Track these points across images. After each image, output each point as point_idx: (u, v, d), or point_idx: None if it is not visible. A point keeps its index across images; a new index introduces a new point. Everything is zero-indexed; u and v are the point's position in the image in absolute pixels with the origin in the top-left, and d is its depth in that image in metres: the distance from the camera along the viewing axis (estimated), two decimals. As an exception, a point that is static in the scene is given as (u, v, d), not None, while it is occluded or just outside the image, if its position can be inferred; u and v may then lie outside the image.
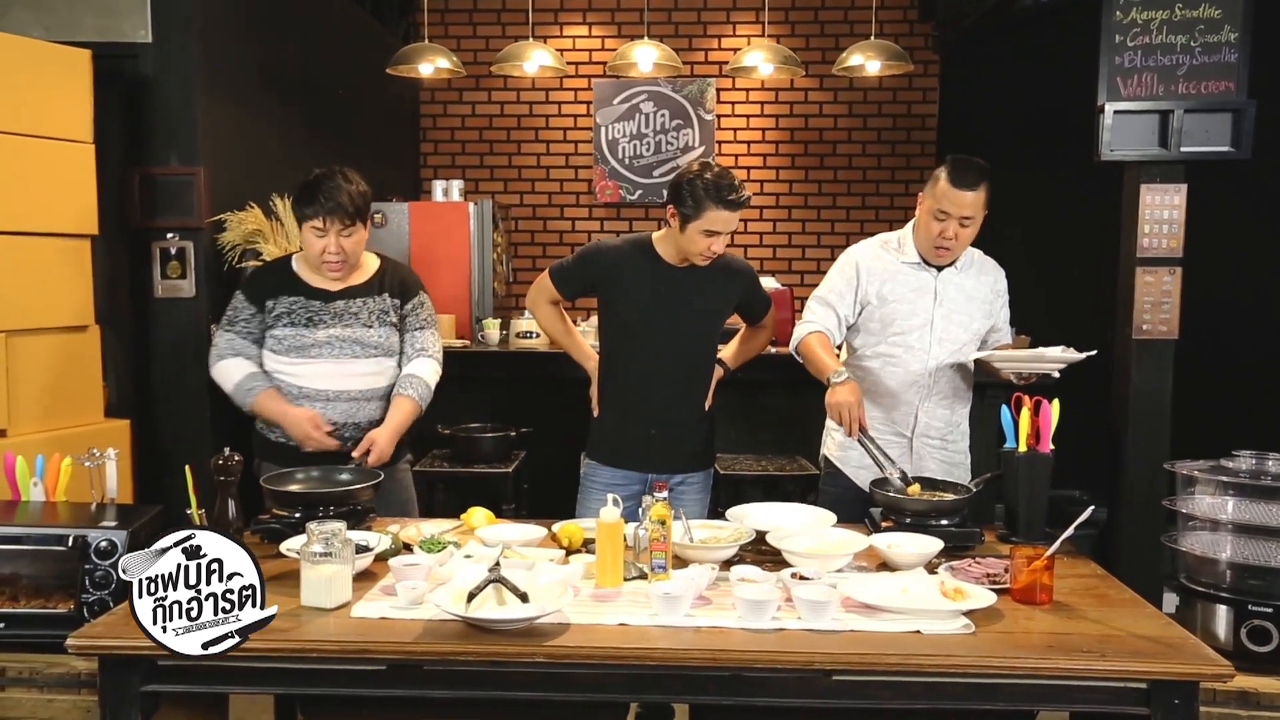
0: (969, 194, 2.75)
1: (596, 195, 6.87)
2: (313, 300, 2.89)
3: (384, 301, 2.95)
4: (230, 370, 2.88)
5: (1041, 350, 2.77)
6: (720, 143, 6.85)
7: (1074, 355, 2.71)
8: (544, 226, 6.98)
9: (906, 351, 2.90)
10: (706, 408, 3.04)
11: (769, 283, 5.16)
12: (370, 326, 2.91)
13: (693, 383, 3.01)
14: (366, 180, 2.93)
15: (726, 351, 3.16)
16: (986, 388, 4.22)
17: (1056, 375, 2.80)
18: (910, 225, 2.96)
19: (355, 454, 2.80)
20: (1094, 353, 2.73)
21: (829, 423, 3.10)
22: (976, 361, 2.91)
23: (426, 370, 2.99)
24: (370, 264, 3.00)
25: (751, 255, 6.91)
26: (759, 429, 4.31)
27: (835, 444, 3.05)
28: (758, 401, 4.31)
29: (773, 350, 4.31)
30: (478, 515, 2.63)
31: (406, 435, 3.00)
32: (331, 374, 2.87)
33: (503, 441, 3.91)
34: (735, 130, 6.88)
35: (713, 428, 3.11)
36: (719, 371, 3.09)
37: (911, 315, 2.89)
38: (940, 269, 2.90)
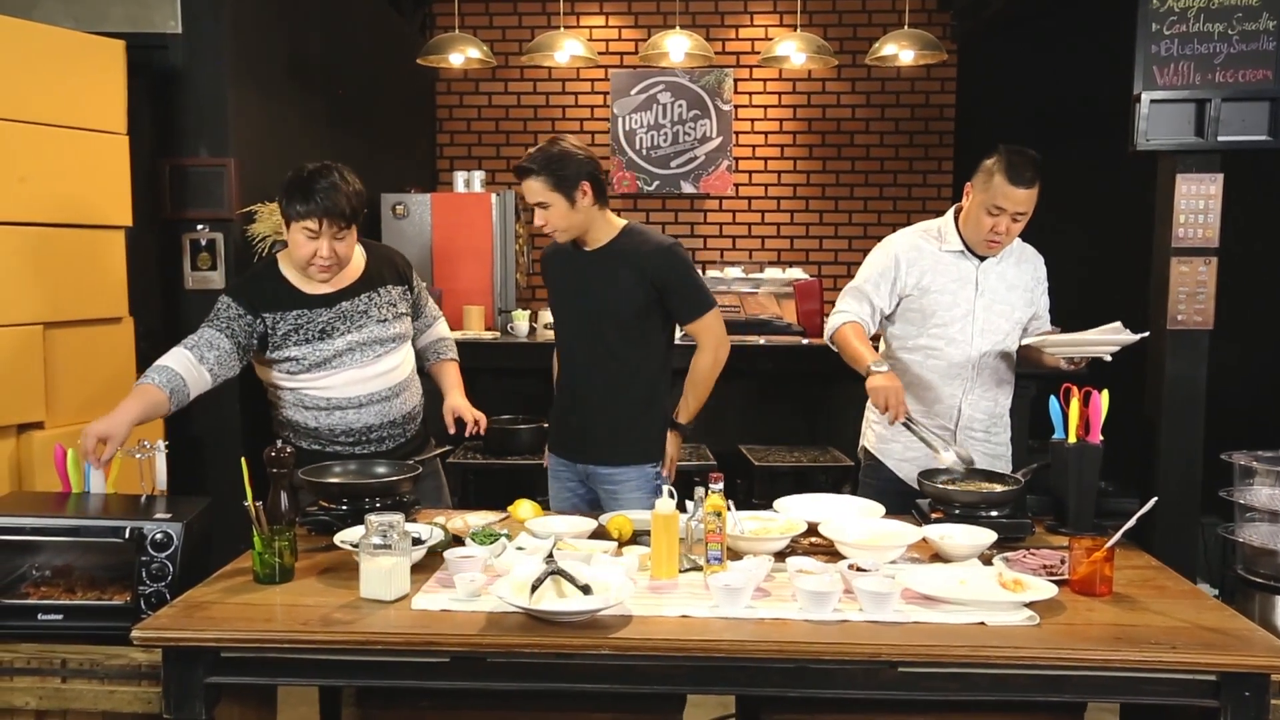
0: (1025, 190, 2.74)
1: (614, 186, 6.85)
2: (317, 310, 2.71)
3: (389, 293, 2.81)
4: (167, 355, 2.60)
5: (1092, 335, 2.74)
6: (738, 133, 6.84)
7: (1129, 336, 2.70)
8: (561, 217, 6.96)
9: (949, 344, 2.88)
10: (666, 474, 2.91)
11: (795, 273, 5.16)
12: (385, 321, 2.78)
13: (615, 375, 2.88)
14: (361, 178, 2.75)
15: (680, 408, 2.94)
16: (1018, 379, 4.22)
17: (1109, 359, 2.76)
18: (950, 213, 2.94)
19: (455, 429, 2.84)
20: (1146, 334, 2.75)
21: (869, 415, 3.10)
22: (1022, 349, 2.90)
23: (448, 330, 3.08)
24: (356, 256, 2.80)
25: (769, 246, 6.91)
26: (791, 421, 4.30)
27: (876, 436, 3.03)
28: (790, 393, 4.31)
29: (804, 341, 4.32)
30: (524, 507, 2.62)
31: (430, 423, 3.01)
32: (360, 379, 2.75)
33: (536, 433, 3.91)
34: (753, 121, 6.87)
35: (656, 423, 2.93)
36: (675, 436, 2.92)
37: (953, 306, 2.87)
38: (982, 259, 2.88)
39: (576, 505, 2.96)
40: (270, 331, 2.69)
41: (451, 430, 2.82)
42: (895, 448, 2.94)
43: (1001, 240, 2.81)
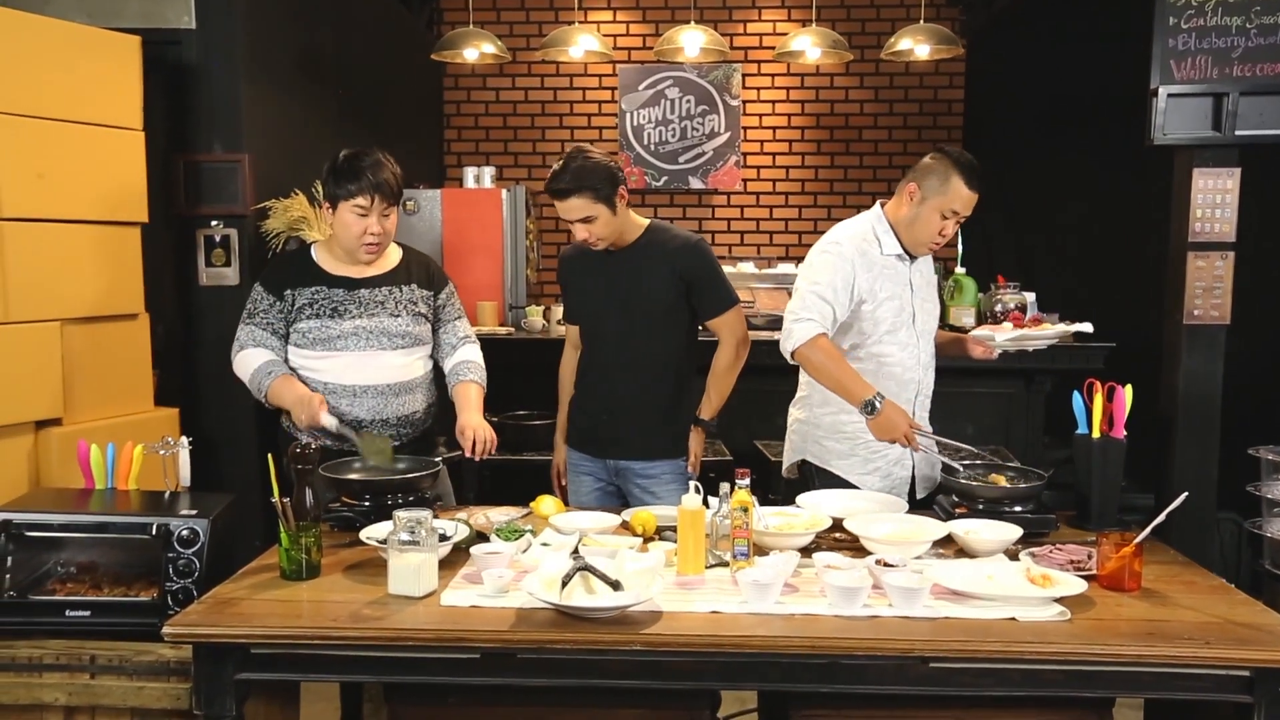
0: (977, 193, 2.73)
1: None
2: (335, 289, 2.77)
3: (412, 291, 2.84)
4: (249, 360, 2.77)
5: (1040, 329, 2.86)
6: (746, 128, 6.82)
7: (1066, 328, 2.82)
8: (568, 213, 6.95)
9: (901, 349, 2.80)
10: (690, 470, 2.92)
11: (808, 269, 5.14)
12: (397, 316, 2.80)
13: (646, 371, 2.89)
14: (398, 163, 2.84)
15: (703, 404, 2.97)
16: (1034, 374, 4.23)
17: (1030, 349, 2.90)
18: (878, 215, 2.83)
19: (468, 454, 2.74)
20: (1086, 327, 2.82)
21: (809, 429, 2.90)
22: (942, 342, 2.96)
23: (478, 355, 2.98)
24: (393, 253, 2.89)
25: (777, 241, 6.90)
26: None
27: (831, 452, 2.84)
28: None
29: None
30: (547, 503, 2.62)
31: (439, 429, 2.98)
32: (358, 367, 2.76)
33: (551, 429, 3.87)
34: (761, 116, 6.85)
35: (686, 416, 2.95)
36: (698, 432, 2.95)
37: (901, 310, 2.79)
38: (913, 259, 2.83)
39: (599, 500, 2.96)
40: (291, 307, 2.78)
41: (466, 452, 2.75)
42: (855, 462, 2.81)
43: (945, 242, 2.79)
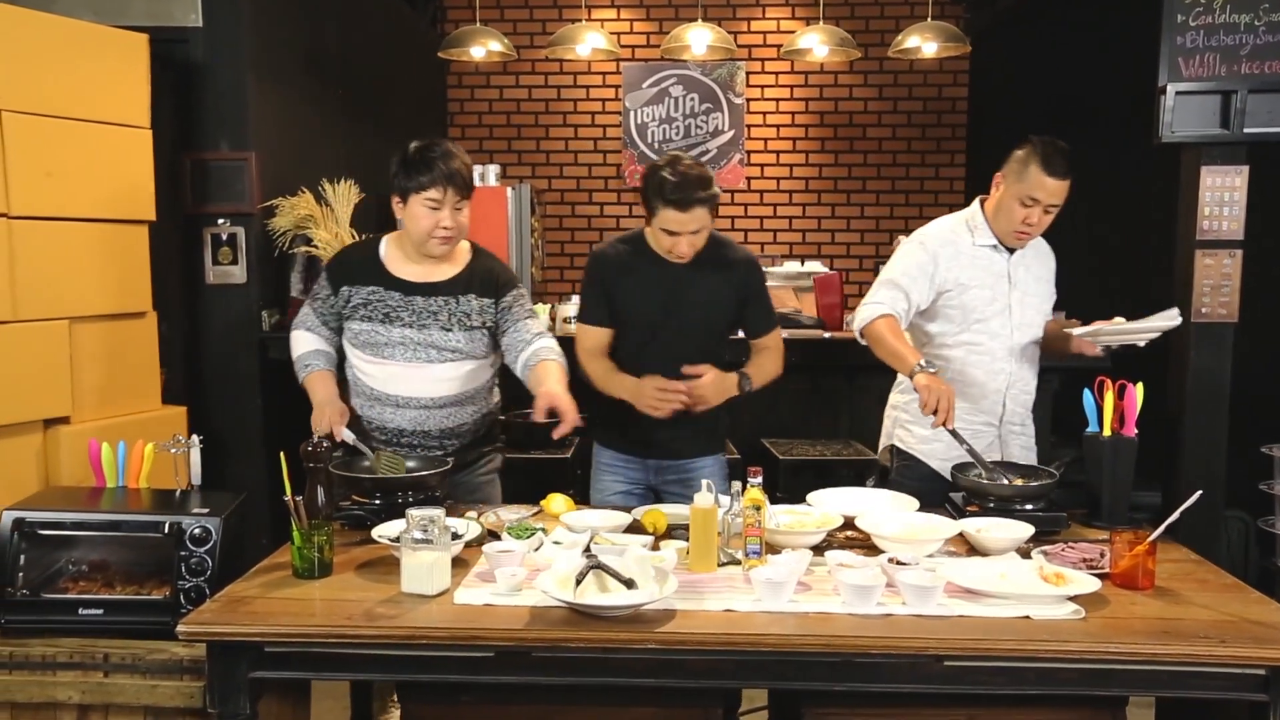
0: (1060, 181, 2.72)
1: (625, 179, 6.85)
2: (391, 292, 2.70)
3: (468, 303, 2.72)
4: (298, 341, 2.83)
5: (1136, 323, 2.78)
6: (750, 126, 6.83)
7: (1168, 321, 2.76)
8: (572, 211, 6.96)
9: (992, 339, 2.84)
10: (694, 400, 2.85)
11: (815, 266, 5.15)
12: (449, 330, 2.70)
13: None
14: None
15: (750, 365, 2.95)
16: (1041, 372, 4.20)
17: (1142, 344, 2.85)
18: (976, 207, 2.90)
19: (537, 417, 2.60)
20: (1176, 311, 2.77)
21: (899, 414, 3.00)
22: (1051, 337, 2.93)
23: (554, 343, 2.81)
24: (462, 253, 2.77)
25: (780, 239, 6.90)
26: (813, 414, 4.30)
27: (912, 435, 2.93)
28: (812, 387, 4.30)
29: (826, 335, 4.31)
30: (558, 502, 2.62)
31: (499, 431, 2.98)
32: (403, 378, 2.70)
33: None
34: (764, 114, 6.86)
35: (722, 415, 2.95)
36: (730, 377, 2.88)
37: (992, 301, 2.83)
38: (1012, 251, 2.87)
39: (621, 501, 2.93)
40: (345, 303, 2.76)
41: (539, 416, 2.60)
42: (938, 447, 2.85)
43: (1032, 232, 2.79)
